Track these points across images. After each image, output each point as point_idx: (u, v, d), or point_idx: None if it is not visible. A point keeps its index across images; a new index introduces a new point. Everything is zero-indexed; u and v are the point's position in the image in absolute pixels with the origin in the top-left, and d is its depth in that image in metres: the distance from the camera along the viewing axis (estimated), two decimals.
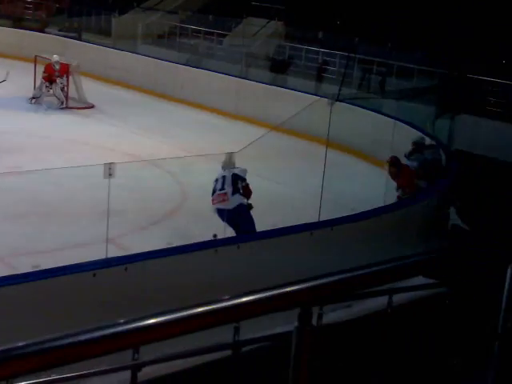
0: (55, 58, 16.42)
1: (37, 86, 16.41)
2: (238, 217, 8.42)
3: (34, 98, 16.23)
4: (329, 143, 10.17)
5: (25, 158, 11.86)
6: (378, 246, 7.48)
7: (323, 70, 17.54)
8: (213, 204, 8.53)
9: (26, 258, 7.68)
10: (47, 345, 1.84)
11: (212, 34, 20.57)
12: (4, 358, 1.77)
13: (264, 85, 16.35)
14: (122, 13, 23.22)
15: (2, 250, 7.90)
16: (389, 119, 12.44)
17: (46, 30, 23.67)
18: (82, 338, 1.90)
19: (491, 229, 8.96)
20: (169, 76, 18.57)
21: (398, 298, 3.67)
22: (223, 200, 8.45)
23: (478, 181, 10.74)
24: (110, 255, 6.95)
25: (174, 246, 7.09)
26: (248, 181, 8.70)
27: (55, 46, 20.34)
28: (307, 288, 2.32)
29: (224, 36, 20.57)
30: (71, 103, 16.49)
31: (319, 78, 17.34)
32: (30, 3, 25.26)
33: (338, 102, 11.13)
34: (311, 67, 17.90)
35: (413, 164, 10.16)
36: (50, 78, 16.21)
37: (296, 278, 2.32)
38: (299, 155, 12.36)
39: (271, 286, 2.25)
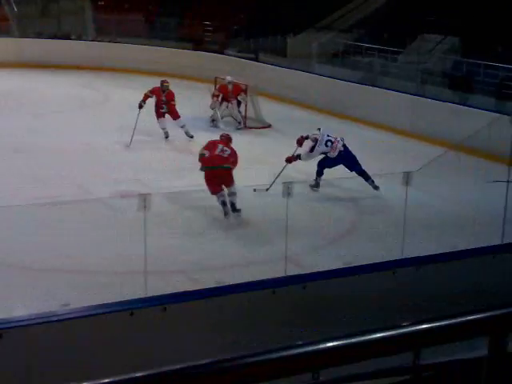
0: (228, 78, 16.94)
1: (210, 105, 16.85)
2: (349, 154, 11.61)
3: (213, 120, 16.78)
4: (511, 162, 9.82)
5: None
6: None
7: (504, 86, 16.88)
8: (333, 152, 11.58)
9: (208, 274, 7.97)
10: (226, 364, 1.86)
11: (386, 51, 20.40)
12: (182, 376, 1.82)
13: (441, 102, 15.98)
14: (296, 33, 23.60)
15: (187, 265, 8.24)
16: None
17: (225, 51, 24.53)
18: (262, 358, 1.91)
19: None
20: (342, 94, 18.64)
21: None
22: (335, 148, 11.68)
23: None
24: (289, 273, 7.08)
25: (352, 265, 7.11)
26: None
27: (233, 67, 21.05)
28: (501, 315, 2.25)
29: (398, 53, 20.34)
30: (249, 123, 16.94)
31: (499, 95, 16.69)
32: (209, 26, 26.23)
33: None
34: (490, 83, 17.27)
35: None
36: (224, 98, 16.76)
37: (477, 303, 2.25)
38: (479, 174, 11.97)
39: (457, 313, 2.19)
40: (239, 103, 16.85)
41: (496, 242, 8.06)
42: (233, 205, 10.10)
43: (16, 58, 23.28)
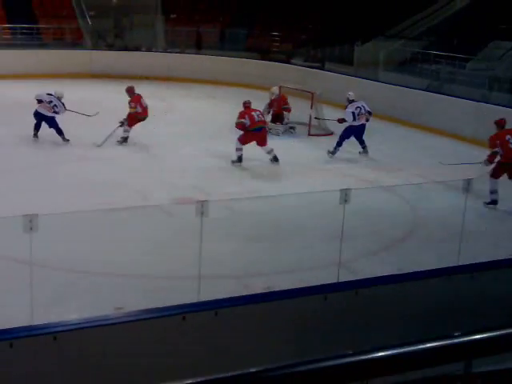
0: (273, 89, 17.08)
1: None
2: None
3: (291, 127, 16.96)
4: None
5: (267, 182, 12.50)
6: None
7: None
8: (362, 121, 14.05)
9: (260, 279, 8.00)
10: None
11: (455, 58, 20.10)
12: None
13: (506, 108, 15.63)
14: (364, 41, 23.50)
15: (239, 271, 8.30)
16: None
17: (292, 61, 24.62)
18: (313, 366, 1.95)
19: None
20: (407, 102, 18.53)
21: None
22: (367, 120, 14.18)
23: None
24: (342, 279, 7.04)
25: (405, 272, 7.03)
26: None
27: (298, 76, 21.13)
28: None
29: (467, 60, 20.01)
30: (312, 130, 16.98)
31: None
32: (277, 36, 26.37)
33: None
34: None
35: None
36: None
37: None
38: None
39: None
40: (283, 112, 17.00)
41: None
42: (275, 157, 13.27)
43: (88, 70, 24.00)
